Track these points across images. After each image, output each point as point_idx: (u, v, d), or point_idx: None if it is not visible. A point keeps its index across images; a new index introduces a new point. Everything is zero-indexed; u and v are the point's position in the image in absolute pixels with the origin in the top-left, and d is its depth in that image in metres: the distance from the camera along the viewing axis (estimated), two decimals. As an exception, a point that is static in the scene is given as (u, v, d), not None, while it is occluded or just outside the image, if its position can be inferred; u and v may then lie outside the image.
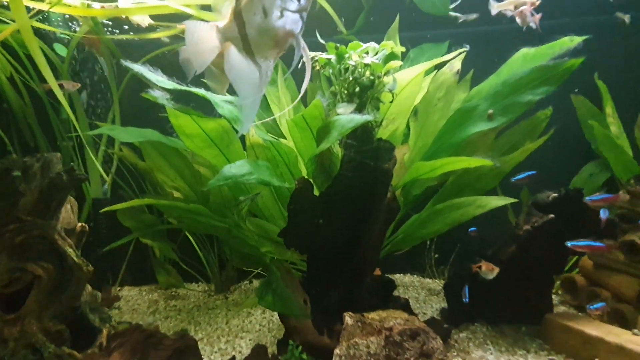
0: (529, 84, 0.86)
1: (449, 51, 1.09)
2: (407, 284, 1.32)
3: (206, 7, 0.97)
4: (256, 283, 1.31)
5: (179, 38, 1.11)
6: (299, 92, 0.55)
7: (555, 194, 0.84)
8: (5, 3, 0.86)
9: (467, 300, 0.82)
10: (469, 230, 1.02)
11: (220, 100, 0.78)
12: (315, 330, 0.77)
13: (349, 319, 0.65)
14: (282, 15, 0.49)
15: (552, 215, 0.84)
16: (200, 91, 0.75)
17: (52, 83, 0.76)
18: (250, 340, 0.93)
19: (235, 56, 0.49)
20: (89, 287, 0.86)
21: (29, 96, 1.02)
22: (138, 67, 0.69)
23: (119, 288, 1.29)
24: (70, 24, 1.08)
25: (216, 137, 0.83)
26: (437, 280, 1.29)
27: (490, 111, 0.84)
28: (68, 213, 0.84)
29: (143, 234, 1.07)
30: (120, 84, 1.12)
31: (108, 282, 1.24)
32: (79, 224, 0.82)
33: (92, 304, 0.85)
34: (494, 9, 0.99)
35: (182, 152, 0.98)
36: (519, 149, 0.94)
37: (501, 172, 0.93)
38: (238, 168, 0.69)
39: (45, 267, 0.75)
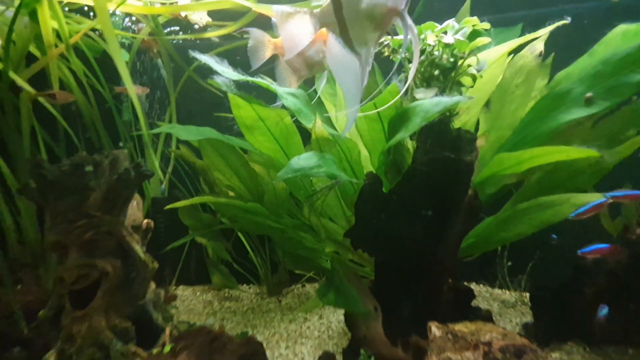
0: (636, 62, 0.73)
1: (522, 34, 0.98)
2: (475, 294, 1.20)
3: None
4: (309, 287, 1.25)
5: (232, 38, 1.09)
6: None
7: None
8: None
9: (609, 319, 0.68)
10: (552, 236, 0.89)
11: (284, 92, 0.73)
12: (387, 341, 0.69)
13: (436, 330, 0.56)
14: None
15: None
16: (265, 82, 0.70)
17: (130, 87, 0.75)
18: (311, 347, 0.87)
19: (334, 44, 0.43)
20: (152, 285, 0.84)
21: (94, 98, 1.03)
22: (204, 58, 0.66)
23: (174, 287, 1.29)
24: (131, 26, 1.10)
25: (276, 130, 0.78)
26: (509, 292, 1.15)
27: (589, 94, 0.72)
28: (134, 210, 0.83)
29: (201, 233, 1.05)
30: (176, 86, 1.12)
31: (165, 281, 1.24)
32: (145, 221, 0.81)
33: (155, 302, 0.83)
34: None
35: (238, 150, 0.95)
36: (626, 142, 0.79)
37: (602, 168, 0.79)
38: (306, 160, 0.64)
39: (112, 264, 0.74)
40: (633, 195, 0.70)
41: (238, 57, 0.96)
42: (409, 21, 0.43)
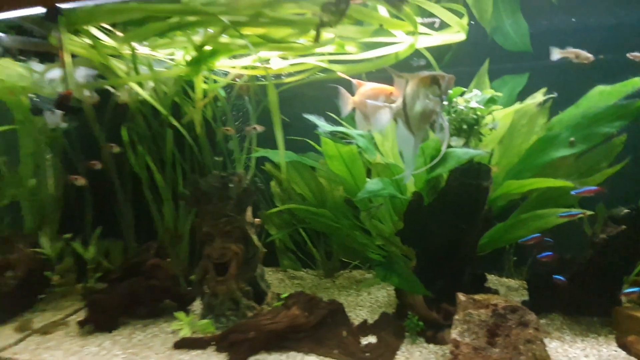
0: (606, 118, 1.01)
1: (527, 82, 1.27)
2: (487, 279, 1.50)
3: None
4: (355, 272, 1.58)
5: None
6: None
7: (628, 210, 0.99)
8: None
9: (563, 278, 1.00)
10: (544, 239, 1.17)
11: (357, 134, 1.06)
12: (426, 306, 1.00)
13: (462, 297, 0.87)
14: (429, 100, 0.73)
15: (624, 227, 0.98)
16: (343, 129, 1.03)
17: (277, 122, 1.02)
18: (366, 312, 1.19)
19: (401, 128, 0.75)
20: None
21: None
22: (309, 116, 0.99)
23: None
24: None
25: (347, 158, 1.10)
26: (514, 280, 1.45)
27: (572, 139, 1.01)
28: (249, 212, 1.17)
29: (283, 229, 1.39)
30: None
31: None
32: (256, 220, 1.14)
33: (260, 275, 1.17)
34: (555, 54, 1.05)
35: (310, 168, 1.27)
36: (599, 172, 1.08)
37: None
38: (375, 185, 0.95)
39: (240, 247, 1.08)
40: (588, 191, 1.00)
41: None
42: (443, 118, 0.74)
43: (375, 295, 1.37)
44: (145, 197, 1.25)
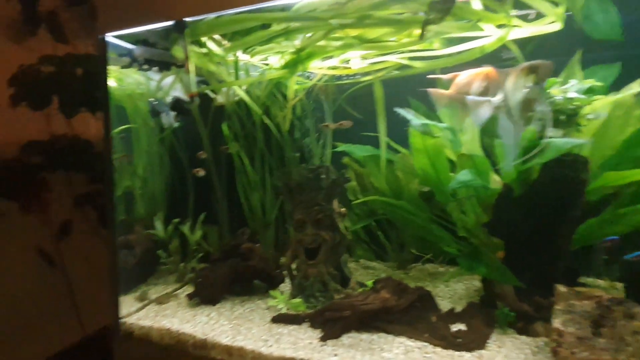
0: None
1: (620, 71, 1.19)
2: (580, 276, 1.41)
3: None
4: (428, 266, 1.58)
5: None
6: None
7: None
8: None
9: None
10: (608, 238, 1.09)
11: (443, 127, 1.08)
12: (516, 297, 0.99)
13: (562, 288, 0.85)
14: (528, 88, 0.74)
15: None
16: (432, 123, 1.05)
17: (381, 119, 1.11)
18: (447, 302, 1.19)
19: (503, 120, 0.77)
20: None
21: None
22: (400, 110, 1.04)
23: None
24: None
25: (432, 151, 1.12)
26: (601, 280, 1.35)
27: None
28: (336, 202, 1.25)
29: (360, 221, 1.44)
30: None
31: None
32: (342, 209, 1.21)
33: (345, 262, 1.23)
34: None
35: (388, 162, 1.31)
36: None
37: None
38: (465, 176, 0.97)
39: (329, 234, 1.16)
40: None
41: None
42: (545, 109, 0.74)
43: (453, 287, 1.36)
44: (237, 189, 1.38)
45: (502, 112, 0.78)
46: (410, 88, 1.17)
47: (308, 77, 1.52)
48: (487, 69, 0.81)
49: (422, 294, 1.01)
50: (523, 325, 0.98)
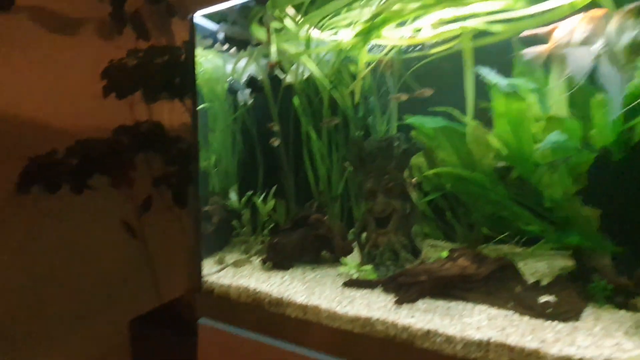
0: None
1: None
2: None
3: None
4: (503, 246, 1.49)
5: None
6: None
7: None
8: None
9: None
10: None
11: (529, 87, 1.02)
12: (614, 270, 0.90)
13: None
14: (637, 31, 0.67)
15: None
16: (514, 80, 1.00)
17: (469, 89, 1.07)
18: (531, 277, 1.12)
19: (605, 67, 0.71)
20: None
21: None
22: (482, 70, 0.99)
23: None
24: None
25: (515, 116, 1.05)
26: None
27: None
28: (407, 172, 1.23)
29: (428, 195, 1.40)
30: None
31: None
32: (414, 179, 1.19)
33: (416, 232, 1.21)
34: None
35: (460, 134, 1.26)
36: None
37: None
38: (556, 136, 0.90)
39: (399, 203, 1.14)
40: None
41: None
42: None
43: (534, 266, 1.26)
44: (304, 164, 1.42)
45: (605, 59, 0.71)
46: (481, 59, 1.13)
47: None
48: (593, 11, 0.75)
49: (504, 264, 0.96)
50: (622, 299, 0.88)
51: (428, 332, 0.84)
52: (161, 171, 1.87)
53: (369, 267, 1.10)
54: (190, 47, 1.14)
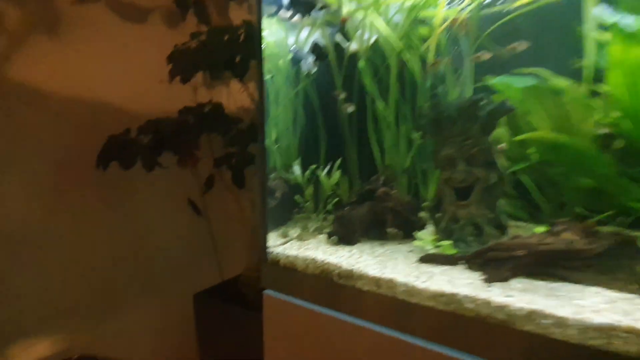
0: None
1: None
2: None
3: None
4: (603, 229, 1.28)
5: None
6: None
7: None
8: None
9: None
10: None
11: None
12: None
13: None
14: None
15: None
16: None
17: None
18: None
19: None
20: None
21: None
22: (599, 9, 0.83)
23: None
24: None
25: (635, 66, 0.87)
26: None
27: None
28: (493, 136, 1.10)
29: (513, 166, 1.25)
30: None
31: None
32: (502, 145, 1.05)
33: (502, 206, 1.07)
34: None
35: (555, 94, 1.08)
36: None
37: None
38: None
39: (483, 172, 1.02)
40: None
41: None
42: None
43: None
44: (368, 135, 1.34)
45: None
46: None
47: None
48: None
49: (623, 239, 0.79)
50: None
51: (532, 312, 0.71)
52: (222, 152, 1.90)
53: (447, 242, 0.99)
54: (258, 7, 1.10)
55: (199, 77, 2.04)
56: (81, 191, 1.72)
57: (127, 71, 1.85)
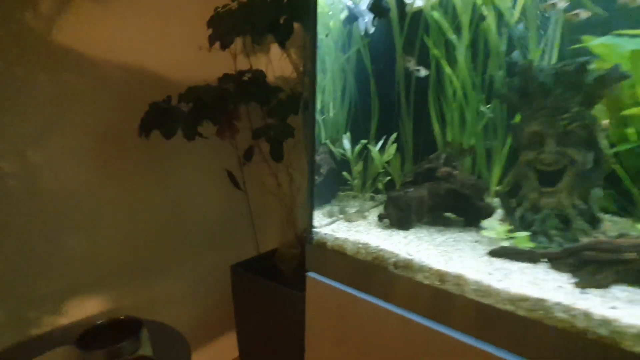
0: None
1: None
2: None
3: None
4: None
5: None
6: None
7: None
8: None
9: None
10: None
11: None
12: None
13: None
14: None
15: None
16: None
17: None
18: None
19: None
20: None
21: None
22: None
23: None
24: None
25: None
26: None
27: None
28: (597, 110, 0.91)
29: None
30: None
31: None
32: (604, 121, 0.87)
33: (597, 198, 0.90)
34: None
35: None
36: None
37: None
38: None
39: (580, 154, 0.84)
40: None
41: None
42: None
43: None
44: (426, 109, 1.17)
45: None
46: None
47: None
48: None
49: None
50: None
51: (651, 332, 0.57)
52: (260, 123, 1.79)
53: (524, 234, 0.84)
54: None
55: (238, 44, 1.92)
56: (123, 159, 1.70)
57: (168, 37, 1.76)
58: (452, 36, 1.09)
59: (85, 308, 1.66)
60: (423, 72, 1.07)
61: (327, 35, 1.21)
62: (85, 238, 1.61)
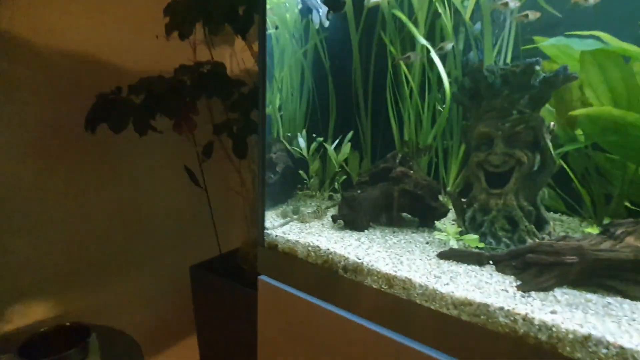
0: None
1: None
2: None
3: None
4: None
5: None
6: None
7: None
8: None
9: None
10: None
11: None
12: None
13: None
14: None
15: None
16: None
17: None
18: None
19: None
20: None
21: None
22: None
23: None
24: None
25: None
26: None
27: None
28: (543, 112, 0.90)
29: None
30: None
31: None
32: (552, 123, 0.86)
33: (543, 199, 0.89)
34: None
35: (621, 62, 0.87)
36: None
37: None
38: None
39: (527, 155, 0.83)
40: None
41: None
42: None
43: None
44: (384, 107, 1.14)
45: None
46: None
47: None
48: None
49: None
50: None
51: (587, 337, 0.55)
52: (222, 118, 1.71)
53: (473, 236, 0.82)
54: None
55: (199, 34, 1.81)
56: (70, 154, 1.57)
57: (123, 25, 1.63)
58: (410, 32, 1.06)
59: (30, 314, 1.52)
60: (414, 57, 1.00)
61: (277, 28, 1.15)
62: (26, 239, 1.47)
